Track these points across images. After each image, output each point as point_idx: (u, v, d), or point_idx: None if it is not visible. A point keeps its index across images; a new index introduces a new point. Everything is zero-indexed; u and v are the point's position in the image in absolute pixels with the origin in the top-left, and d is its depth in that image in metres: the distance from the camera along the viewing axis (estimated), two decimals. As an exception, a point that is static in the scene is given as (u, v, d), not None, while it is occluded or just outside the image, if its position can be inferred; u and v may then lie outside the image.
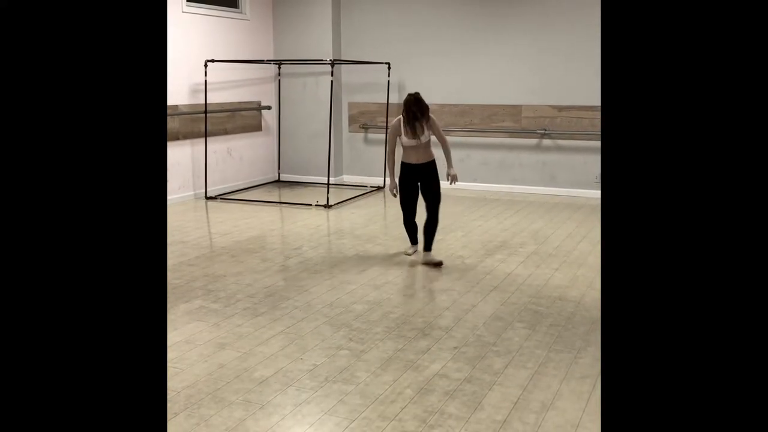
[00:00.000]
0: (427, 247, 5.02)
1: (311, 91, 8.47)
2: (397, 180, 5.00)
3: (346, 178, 8.73)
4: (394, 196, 5.05)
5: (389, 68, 8.18)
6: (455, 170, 5.05)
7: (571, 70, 7.45)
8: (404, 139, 4.91)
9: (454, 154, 5.99)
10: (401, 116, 4.87)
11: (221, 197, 7.57)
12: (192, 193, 7.55)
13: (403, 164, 4.99)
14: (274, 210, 6.97)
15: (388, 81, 8.22)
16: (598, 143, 7.46)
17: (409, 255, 5.12)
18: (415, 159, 4.92)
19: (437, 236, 5.64)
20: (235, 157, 8.15)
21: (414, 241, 5.19)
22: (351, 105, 8.61)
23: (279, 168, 8.79)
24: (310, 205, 7.12)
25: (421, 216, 5.02)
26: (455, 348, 3.39)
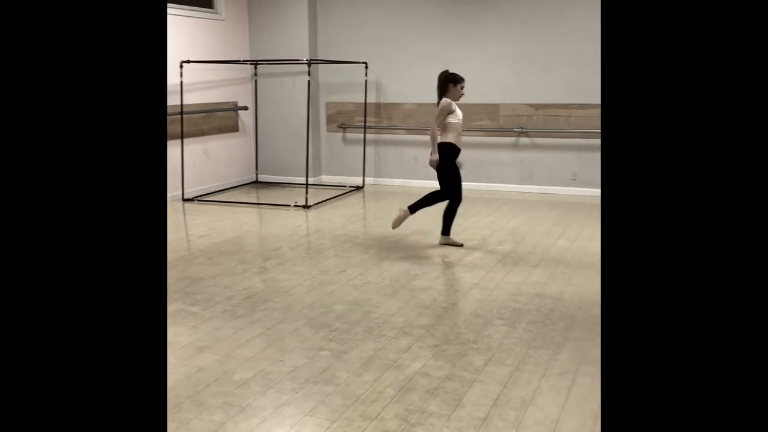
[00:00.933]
0: (448, 230, 5.40)
1: (288, 91, 8.44)
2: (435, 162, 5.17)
3: (325, 179, 8.71)
4: (435, 168, 5.23)
5: (366, 68, 8.17)
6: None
7: (548, 69, 7.51)
8: (460, 114, 5.16)
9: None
10: (448, 98, 5.09)
11: (198, 199, 7.51)
12: (169, 195, 7.49)
13: (454, 147, 5.16)
14: (252, 211, 6.93)
15: (366, 80, 8.21)
16: (574, 141, 7.53)
17: (396, 227, 5.43)
18: (460, 141, 5.21)
19: (417, 236, 5.66)
20: (212, 158, 8.09)
21: (448, 230, 5.39)
22: (329, 105, 8.60)
23: (257, 169, 8.74)
24: (289, 205, 7.10)
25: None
26: (435, 346, 3.40)
